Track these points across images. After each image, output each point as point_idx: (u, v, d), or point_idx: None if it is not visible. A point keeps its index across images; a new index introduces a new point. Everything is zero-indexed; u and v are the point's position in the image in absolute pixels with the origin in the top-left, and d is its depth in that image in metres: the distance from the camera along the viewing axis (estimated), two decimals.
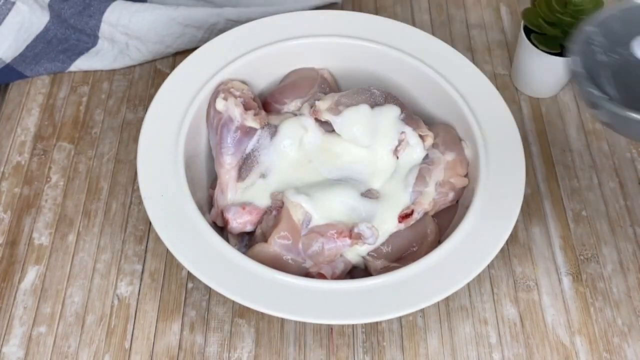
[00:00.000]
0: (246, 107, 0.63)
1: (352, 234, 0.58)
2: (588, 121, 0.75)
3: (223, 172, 0.63)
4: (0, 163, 0.70)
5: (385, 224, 0.60)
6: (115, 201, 0.68)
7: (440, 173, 0.62)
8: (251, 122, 0.63)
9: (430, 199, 0.61)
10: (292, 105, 0.66)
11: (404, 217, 0.61)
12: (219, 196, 0.62)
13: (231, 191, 0.62)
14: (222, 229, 0.63)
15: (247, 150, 0.63)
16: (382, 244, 0.60)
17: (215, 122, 0.63)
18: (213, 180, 0.65)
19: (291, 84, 0.68)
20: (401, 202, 0.61)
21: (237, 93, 0.64)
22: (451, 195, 0.63)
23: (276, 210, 0.60)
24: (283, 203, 0.59)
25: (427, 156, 0.63)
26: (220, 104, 0.63)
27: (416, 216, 0.61)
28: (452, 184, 0.62)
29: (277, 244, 0.58)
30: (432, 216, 0.63)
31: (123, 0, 0.76)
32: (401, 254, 0.61)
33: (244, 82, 0.66)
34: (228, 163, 0.63)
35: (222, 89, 0.64)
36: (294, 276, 0.55)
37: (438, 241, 0.62)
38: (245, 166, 0.63)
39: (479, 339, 0.61)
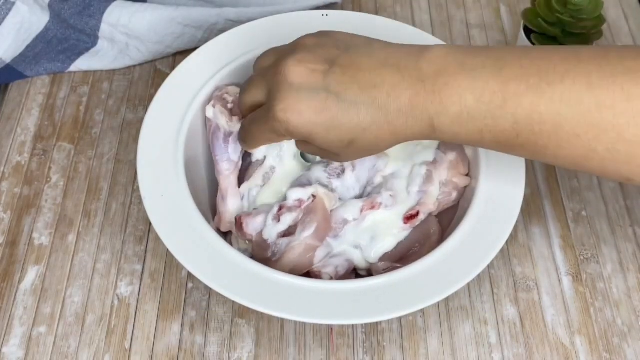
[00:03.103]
0: (233, 113, 0.63)
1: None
2: None
3: (222, 178, 0.62)
4: (0, 163, 0.70)
5: (391, 228, 0.60)
6: (115, 201, 0.68)
7: (444, 172, 0.62)
8: (236, 127, 0.62)
9: (434, 199, 0.61)
10: None
11: (409, 218, 0.60)
12: (220, 203, 0.62)
13: (232, 197, 0.62)
14: (224, 234, 0.62)
15: (245, 155, 0.63)
16: None
17: (208, 129, 0.63)
18: (214, 184, 0.65)
19: None
20: (406, 204, 0.61)
21: (231, 98, 0.63)
22: (454, 194, 0.62)
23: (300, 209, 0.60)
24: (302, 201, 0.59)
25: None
26: (209, 112, 0.63)
27: (421, 217, 0.61)
28: (455, 183, 0.62)
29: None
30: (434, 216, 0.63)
31: (123, 0, 0.76)
32: (404, 254, 0.61)
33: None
34: (225, 169, 0.62)
35: (215, 96, 0.64)
36: (294, 276, 0.55)
37: (441, 242, 0.61)
38: (245, 170, 0.63)
39: (479, 339, 0.61)
